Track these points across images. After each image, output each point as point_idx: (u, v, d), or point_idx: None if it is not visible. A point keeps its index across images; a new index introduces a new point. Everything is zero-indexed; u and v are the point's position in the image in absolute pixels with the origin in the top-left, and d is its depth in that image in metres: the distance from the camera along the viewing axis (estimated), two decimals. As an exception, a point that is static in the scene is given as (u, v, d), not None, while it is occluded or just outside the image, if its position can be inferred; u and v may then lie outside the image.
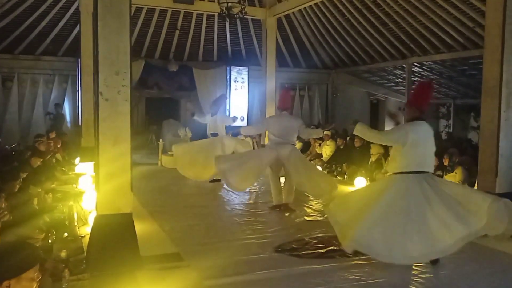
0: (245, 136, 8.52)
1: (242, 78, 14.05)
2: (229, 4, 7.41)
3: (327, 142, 9.87)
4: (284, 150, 5.89)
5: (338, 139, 9.84)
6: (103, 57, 3.69)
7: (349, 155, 9.20)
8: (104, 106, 3.72)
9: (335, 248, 4.45)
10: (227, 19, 7.75)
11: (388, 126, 13.53)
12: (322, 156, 9.94)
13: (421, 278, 3.79)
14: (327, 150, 9.79)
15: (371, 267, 3.92)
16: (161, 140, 10.54)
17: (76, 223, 4.89)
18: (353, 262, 4.06)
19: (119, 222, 3.85)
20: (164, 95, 13.64)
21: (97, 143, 3.78)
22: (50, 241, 4.16)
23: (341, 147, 9.66)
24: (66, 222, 4.81)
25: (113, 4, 3.70)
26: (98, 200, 3.85)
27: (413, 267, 3.98)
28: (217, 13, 8.01)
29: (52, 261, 3.58)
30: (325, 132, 10.15)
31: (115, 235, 3.82)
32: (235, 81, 13.97)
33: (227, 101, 13.88)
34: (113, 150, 3.77)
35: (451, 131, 13.98)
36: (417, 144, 3.98)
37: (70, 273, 3.46)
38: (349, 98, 15.53)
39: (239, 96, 13.99)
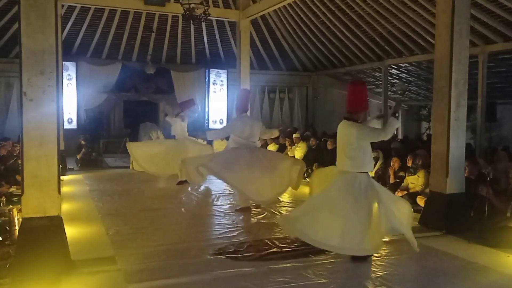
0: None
1: (221, 81, 13.99)
2: (192, 6, 7.33)
3: (298, 144, 9.85)
4: (247, 151, 5.79)
5: (311, 140, 9.77)
6: (26, 56, 3.60)
7: (320, 156, 9.13)
8: (28, 107, 3.64)
9: (276, 250, 4.39)
10: (192, 21, 7.66)
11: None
12: (294, 159, 9.88)
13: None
14: (298, 152, 9.74)
15: (305, 270, 3.85)
16: (132, 143, 10.41)
17: (16, 227, 4.78)
18: (287, 265, 3.98)
19: (46, 226, 3.77)
20: (142, 97, 13.54)
21: (21, 144, 3.70)
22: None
23: (313, 147, 9.59)
24: (7, 227, 4.72)
25: (37, 2, 3.63)
26: (24, 203, 3.76)
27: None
28: (185, 15, 7.91)
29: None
30: (295, 135, 10.14)
31: (42, 239, 3.74)
32: (214, 84, 13.91)
33: (205, 104, 13.86)
34: (39, 152, 3.68)
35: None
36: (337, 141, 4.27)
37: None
38: (330, 101, 15.46)
39: (218, 99, 13.93)
